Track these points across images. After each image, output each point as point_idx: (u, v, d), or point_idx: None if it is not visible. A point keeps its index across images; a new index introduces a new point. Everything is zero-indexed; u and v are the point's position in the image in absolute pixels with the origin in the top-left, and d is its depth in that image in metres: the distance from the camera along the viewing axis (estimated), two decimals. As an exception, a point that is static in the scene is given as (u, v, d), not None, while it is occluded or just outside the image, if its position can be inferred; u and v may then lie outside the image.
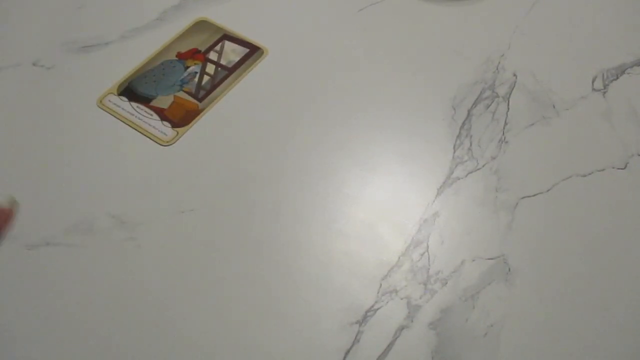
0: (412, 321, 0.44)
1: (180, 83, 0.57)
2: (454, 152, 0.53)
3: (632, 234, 0.48)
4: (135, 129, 0.54)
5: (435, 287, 0.45)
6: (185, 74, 0.58)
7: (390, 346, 0.43)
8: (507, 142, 0.53)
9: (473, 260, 0.47)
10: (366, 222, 0.49)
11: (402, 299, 0.45)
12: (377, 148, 0.53)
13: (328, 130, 0.54)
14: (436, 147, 0.53)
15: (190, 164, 0.52)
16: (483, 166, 0.52)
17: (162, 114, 0.55)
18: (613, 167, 0.52)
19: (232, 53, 0.59)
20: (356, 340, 0.43)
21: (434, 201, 0.50)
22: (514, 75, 0.58)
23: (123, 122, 0.54)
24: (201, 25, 0.62)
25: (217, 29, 0.61)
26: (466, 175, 0.51)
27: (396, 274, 0.46)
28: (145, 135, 0.53)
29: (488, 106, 0.56)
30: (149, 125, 0.54)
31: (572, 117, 0.55)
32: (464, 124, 0.54)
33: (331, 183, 0.51)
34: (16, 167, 0.51)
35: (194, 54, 0.59)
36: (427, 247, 0.47)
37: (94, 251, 0.47)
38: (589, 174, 0.51)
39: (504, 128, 0.54)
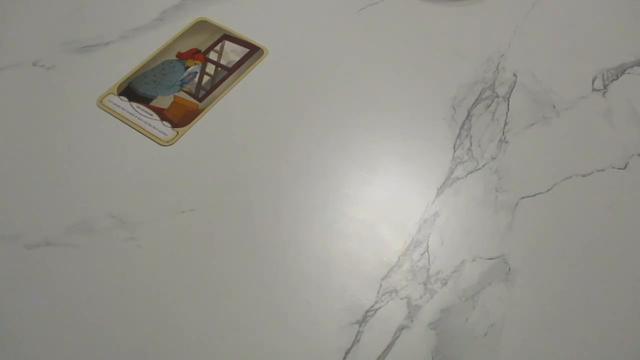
0: (412, 321, 0.44)
1: (180, 83, 0.57)
2: (454, 152, 0.53)
3: (632, 234, 0.48)
4: (135, 129, 0.54)
5: (435, 287, 0.45)
6: (185, 74, 0.58)
7: (390, 346, 0.43)
8: (507, 142, 0.53)
9: (473, 260, 0.47)
10: (366, 222, 0.49)
11: (402, 299, 0.45)
12: (377, 148, 0.53)
13: (328, 130, 0.54)
14: (436, 147, 0.53)
15: (190, 164, 0.52)
16: (483, 166, 0.52)
17: (162, 114, 0.55)
18: (613, 167, 0.52)
19: (232, 53, 0.59)
20: (356, 340, 0.43)
21: (434, 201, 0.50)
22: (514, 75, 0.58)
23: (123, 122, 0.54)
24: (201, 25, 0.62)
25: (217, 29, 0.61)
26: (466, 175, 0.51)
27: (396, 274, 0.46)
28: (145, 135, 0.53)
29: (488, 106, 0.56)
30: (149, 125, 0.54)
31: (572, 117, 0.55)
32: (464, 124, 0.54)
33: (331, 183, 0.51)
34: (16, 167, 0.51)
35: (194, 54, 0.59)
36: (427, 247, 0.47)
37: (94, 251, 0.47)
38: (589, 174, 0.51)
39: (504, 128, 0.54)
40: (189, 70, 0.58)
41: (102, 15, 0.62)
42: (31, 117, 0.55)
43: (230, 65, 0.58)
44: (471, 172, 0.51)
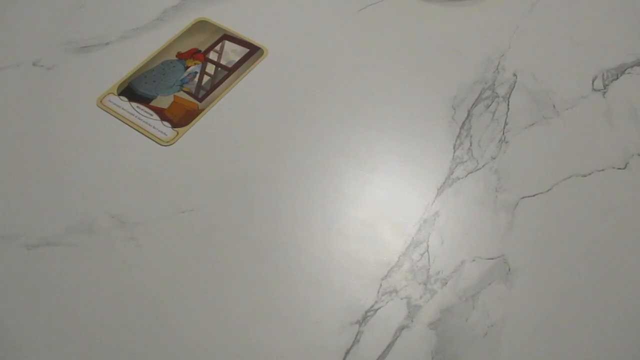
0: (412, 321, 0.44)
1: (180, 83, 0.57)
2: (454, 152, 0.53)
3: (632, 234, 0.48)
4: (135, 129, 0.54)
5: (435, 287, 0.45)
6: (185, 74, 0.58)
7: (390, 346, 0.43)
8: (507, 142, 0.53)
9: (473, 260, 0.47)
10: (366, 222, 0.49)
11: (402, 299, 0.45)
12: (377, 148, 0.53)
13: (328, 130, 0.54)
14: (436, 147, 0.53)
15: (190, 164, 0.52)
16: (483, 166, 0.52)
17: (162, 114, 0.55)
18: (613, 167, 0.52)
19: (232, 53, 0.59)
20: (356, 340, 0.43)
21: (434, 201, 0.50)
22: (514, 75, 0.58)
23: (123, 122, 0.54)
24: (201, 25, 0.62)
25: (217, 29, 0.61)
26: (466, 175, 0.51)
27: (396, 274, 0.46)
28: (145, 135, 0.53)
29: (488, 106, 0.56)
30: (149, 125, 0.54)
31: (572, 117, 0.55)
32: (464, 124, 0.54)
33: (331, 183, 0.51)
34: (16, 167, 0.51)
35: (194, 54, 0.59)
36: (427, 247, 0.47)
37: (94, 251, 0.47)
38: (589, 174, 0.51)
39: (504, 128, 0.54)
40: (189, 70, 0.58)
41: (102, 15, 0.62)
42: (31, 117, 0.55)
43: (230, 65, 0.58)
44: (471, 172, 0.51)
